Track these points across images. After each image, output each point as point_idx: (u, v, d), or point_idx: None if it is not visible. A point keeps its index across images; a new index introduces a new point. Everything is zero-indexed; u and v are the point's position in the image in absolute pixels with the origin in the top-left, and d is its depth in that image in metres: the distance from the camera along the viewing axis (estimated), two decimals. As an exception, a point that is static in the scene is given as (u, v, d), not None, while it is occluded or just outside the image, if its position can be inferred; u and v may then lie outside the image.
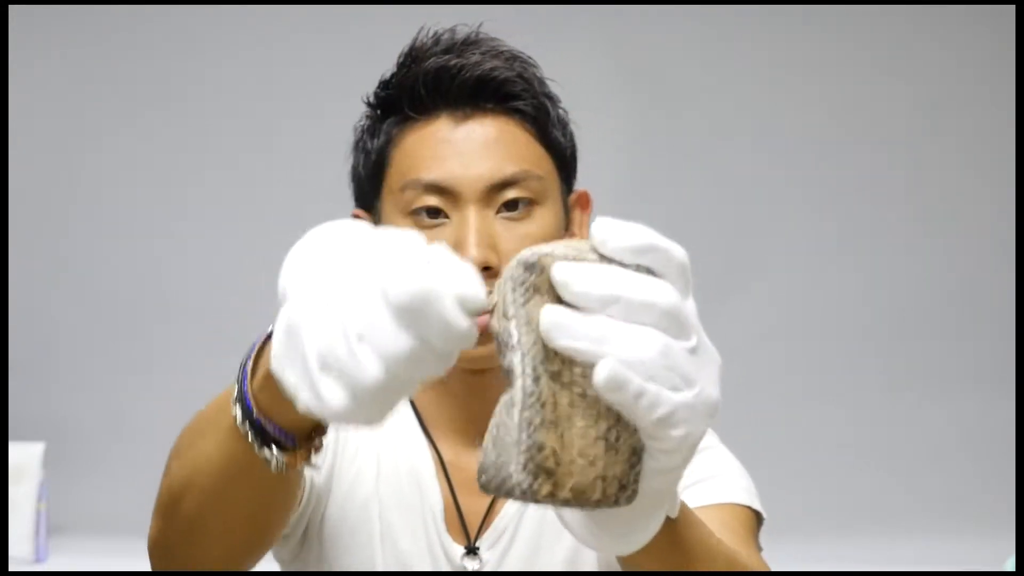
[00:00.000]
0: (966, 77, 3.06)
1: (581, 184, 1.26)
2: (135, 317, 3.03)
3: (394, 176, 1.19)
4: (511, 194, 1.16)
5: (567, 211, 1.23)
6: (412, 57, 1.20)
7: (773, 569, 1.01)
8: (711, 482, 1.15)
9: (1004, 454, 2.84)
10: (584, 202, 1.26)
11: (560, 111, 1.23)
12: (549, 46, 1.31)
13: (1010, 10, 2.84)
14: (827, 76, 3.07)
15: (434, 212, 1.15)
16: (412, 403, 1.24)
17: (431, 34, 1.20)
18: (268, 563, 1.07)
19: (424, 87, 1.18)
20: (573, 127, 1.24)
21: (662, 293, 0.65)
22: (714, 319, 0.81)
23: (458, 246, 1.13)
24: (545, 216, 1.18)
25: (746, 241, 3.01)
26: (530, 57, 1.22)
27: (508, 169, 1.16)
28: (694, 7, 3.00)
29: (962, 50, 3.06)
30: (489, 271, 1.12)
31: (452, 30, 1.20)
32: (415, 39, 1.20)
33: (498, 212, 1.15)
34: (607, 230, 0.66)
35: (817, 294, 3.02)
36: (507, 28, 1.20)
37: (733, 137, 3.04)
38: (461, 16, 1.22)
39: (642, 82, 3.02)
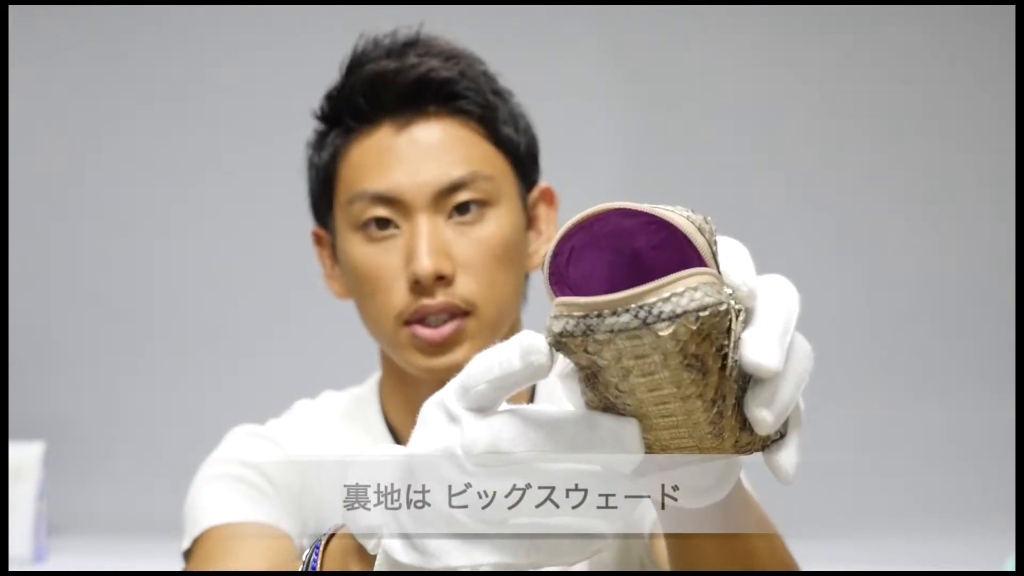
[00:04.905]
0: (966, 77, 3.06)
1: (581, 184, 1.24)
2: (135, 317, 3.03)
3: (342, 190, 1.15)
4: (461, 197, 1.12)
5: (528, 209, 1.19)
6: (353, 65, 1.16)
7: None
8: None
9: (1004, 454, 2.83)
10: (548, 198, 1.21)
11: (513, 106, 1.18)
12: (549, 46, 1.30)
13: (1010, 10, 2.84)
14: (827, 76, 3.06)
15: (383, 223, 1.12)
16: (388, 423, 1.20)
17: (372, 40, 1.16)
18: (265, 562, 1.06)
19: (362, 96, 1.14)
20: (571, 126, 1.21)
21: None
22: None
23: (410, 256, 1.10)
24: (500, 217, 1.14)
25: (745, 240, 2.99)
26: (474, 54, 1.17)
27: (455, 172, 1.12)
28: (694, 7, 3.00)
29: (962, 50, 3.06)
30: (443, 280, 1.10)
31: (393, 33, 1.16)
32: (355, 46, 1.16)
33: (450, 217, 1.12)
34: (760, 353, 0.61)
35: (817, 293, 3.00)
36: (508, 28, 1.19)
37: (733, 136, 3.04)
38: (460, 15, 1.21)
39: (642, 82, 3.02)
